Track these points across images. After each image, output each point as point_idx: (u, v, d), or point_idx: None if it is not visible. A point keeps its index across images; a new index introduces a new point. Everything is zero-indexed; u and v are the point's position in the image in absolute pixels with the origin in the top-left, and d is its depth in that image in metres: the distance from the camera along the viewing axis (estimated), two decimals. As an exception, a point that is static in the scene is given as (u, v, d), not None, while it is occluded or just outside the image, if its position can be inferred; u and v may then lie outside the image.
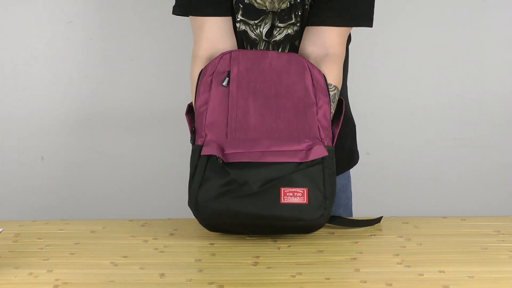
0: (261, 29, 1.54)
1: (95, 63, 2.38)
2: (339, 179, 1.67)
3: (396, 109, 2.41)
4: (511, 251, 1.37)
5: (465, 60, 2.36)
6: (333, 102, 1.50)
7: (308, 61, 1.48)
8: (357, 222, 1.51)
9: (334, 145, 1.46)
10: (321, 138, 1.44)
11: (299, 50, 1.54)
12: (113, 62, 2.38)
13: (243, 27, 1.54)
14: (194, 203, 1.41)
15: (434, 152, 2.44)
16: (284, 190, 1.38)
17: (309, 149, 1.41)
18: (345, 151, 1.67)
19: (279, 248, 1.39)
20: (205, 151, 1.41)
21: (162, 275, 1.28)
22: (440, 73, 2.37)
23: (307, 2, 1.52)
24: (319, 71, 1.47)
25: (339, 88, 1.53)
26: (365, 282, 1.23)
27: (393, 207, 2.41)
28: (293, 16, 1.53)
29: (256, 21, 1.53)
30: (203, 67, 1.50)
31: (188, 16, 1.57)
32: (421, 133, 2.42)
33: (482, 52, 2.36)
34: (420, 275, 1.26)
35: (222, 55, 1.48)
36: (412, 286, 1.23)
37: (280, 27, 1.53)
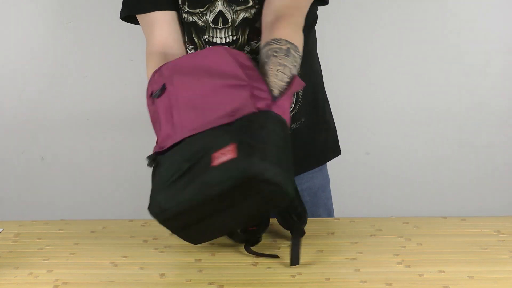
0: (207, 17, 1.53)
1: (95, 63, 2.38)
2: (317, 179, 1.67)
3: (396, 109, 2.41)
4: (511, 251, 1.37)
5: (465, 60, 2.36)
6: (288, 56, 1.35)
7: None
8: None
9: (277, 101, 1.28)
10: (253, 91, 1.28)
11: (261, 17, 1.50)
12: (113, 62, 2.38)
13: (190, 18, 1.54)
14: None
15: (434, 152, 2.44)
16: (214, 155, 1.19)
17: (236, 110, 1.25)
18: (318, 145, 1.67)
19: (279, 248, 1.39)
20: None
21: (162, 275, 1.28)
22: (440, 73, 2.37)
23: None
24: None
25: (297, 46, 1.38)
26: (365, 282, 1.23)
27: (393, 207, 2.41)
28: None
29: (201, 9, 1.53)
30: (157, 63, 1.48)
31: (134, 14, 1.59)
32: (421, 133, 2.42)
33: (482, 52, 2.36)
34: (420, 275, 1.26)
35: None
36: (412, 286, 1.23)
37: (237, 11, 1.51)
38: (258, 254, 1.35)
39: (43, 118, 2.42)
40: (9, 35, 2.37)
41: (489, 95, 2.39)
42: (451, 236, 1.45)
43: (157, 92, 1.37)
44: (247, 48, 1.53)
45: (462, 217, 1.56)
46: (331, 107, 1.75)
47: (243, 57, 1.34)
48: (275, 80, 1.31)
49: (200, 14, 1.53)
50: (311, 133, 1.64)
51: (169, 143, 1.29)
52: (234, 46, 1.53)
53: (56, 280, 1.26)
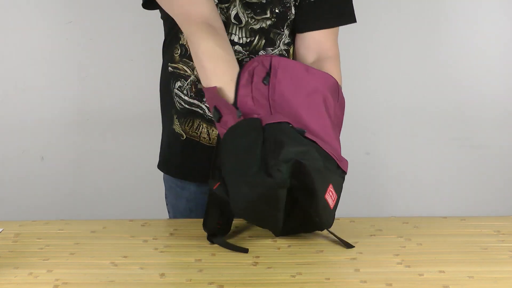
0: (230, 12, 1.54)
1: (95, 63, 2.38)
2: None
3: (396, 109, 2.41)
4: (511, 251, 1.37)
5: (465, 60, 2.36)
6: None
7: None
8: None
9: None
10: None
11: (296, 57, 1.61)
12: (113, 62, 2.38)
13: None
14: None
15: (434, 152, 2.44)
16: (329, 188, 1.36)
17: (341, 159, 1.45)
18: None
19: (279, 248, 1.39)
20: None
21: (162, 275, 1.28)
22: (440, 73, 2.37)
23: (288, 4, 1.55)
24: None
25: (341, 86, 1.57)
26: (365, 282, 1.23)
27: (393, 207, 2.42)
28: (268, 12, 1.55)
29: (226, 5, 1.54)
30: (211, 33, 1.45)
31: None
32: (421, 133, 2.42)
33: (482, 52, 2.36)
34: (420, 275, 1.26)
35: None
36: (412, 286, 1.23)
37: (254, 18, 1.55)
38: (228, 247, 1.38)
39: (43, 118, 2.42)
40: (9, 35, 2.37)
41: (489, 95, 2.39)
42: (451, 236, 1.45)
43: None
44: (262, 53, 1.57)
45: (462, 217, 1.56)
46: (331, 107, 1.76)
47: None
48: None
49: (225, 9, 1.54)
50: None
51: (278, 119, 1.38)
52: (248, 48, 1.56)
53: (56, 280, 1.26)
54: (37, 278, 1.27)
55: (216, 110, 1.40)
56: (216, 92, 1.41)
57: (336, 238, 1.41)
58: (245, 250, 1.36)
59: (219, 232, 1.42)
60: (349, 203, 2.23)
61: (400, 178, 2.46)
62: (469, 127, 2.41)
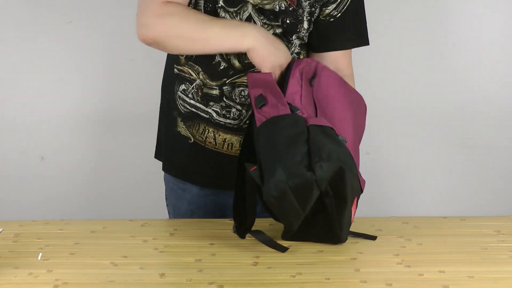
0: (241, 16, 1.54)
1: (95, 63, 2.38)
2: None
3: (396, 109, 2.41)
4: (511, 251, 1.37)
5: (465, 60, 2.36)
6: None
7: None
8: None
9: None
10: None
11: None
12: (113, 62, 2.38)
13: (223, 14, 1.54)
14: None
15: (434, 152, 2.44)
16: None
17: None
18: None
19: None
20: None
21: (162, 275, 1.28)
22: (440, 73, 2.37)
23: (301, 17, 1.55)
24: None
25: None
26: (365, 282, 1.23)
27: (393, 207, 2.41)
28: (280, 20, 1.55)
29: (235, 9, 1.54)
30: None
31: None
32: (421, 133, 2.42)
33: (482, 52, 2.36)
34: (420, 275, 1.26)
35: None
36: (412, 286, 1.23)
37: (268, 24, 1.55)
38: (268, 244, 1.38)
39: (43, 118, 2.42)
40: (9, 35, 2.37)
41: (489, 95, 2.39)
42: (451, 236, 1.45)
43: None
44: None
45: (462, 217, 1.56)
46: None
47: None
48: None
49: (234, 14, 1.54)
50: None
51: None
52: None
53: (56, 280, 1.26)
54: (37, 278, 1.27)
55: (262, 97, 1.40)
56: (271, 79, 1.42)
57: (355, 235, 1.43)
58: (285, 249, 1.37)
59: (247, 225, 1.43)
60: (349, 203, 2.24)
61: (400, 178, 2.46)
62: (469, 127, 2.41)
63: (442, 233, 1.47)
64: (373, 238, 1.43)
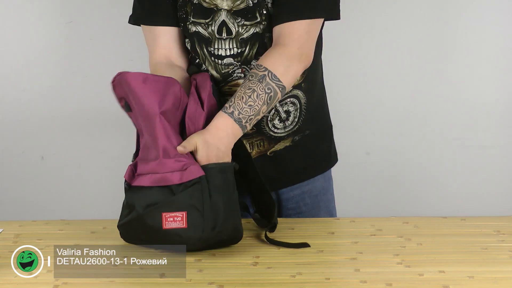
0: (212, 27, 1.54)
1: (95, 63, 2.38)
2: (318, 181, 1.68)
3: (396, 109, 2.41)
4: (511, 251, 1.37)
5: (464, 60, 2.36)
6: (261, 82, 1.43)
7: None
8: (287, 244, 1.43)
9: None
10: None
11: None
12: (113, 62, 2.38)
13: (194, 28, 1.55)
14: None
15: (434, 152, 2.44)
16: (165, 216, 1.37)
17: (185, 169, 1.38)
18: (321, 153, 1.68)
19: (279, 248, 1.39)
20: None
21: (162, 275, 1.28)
22: (440, 73, 2.37)
23: (268, 1, 1.52)
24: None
25: (276, 74, 1.45)
26: (365, 282, 1.23)
27: (393, 207, 2.41)
28: (257, 15, 1.53)
29: (206, 20, 1.54)
30: (166, 72, 1.53)
31: (139, 25, 1.63)
32: (421, 133, 2.42)
33: (482, 52, 2.36)
34: (420, 275, 1.26)
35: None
36: (412, 286, 1.23)
37: (246, 25, 1.53)
38: (283, 245, 1.40)
39: (43, 118, 2.42)
40: (9, 35, 2.37)
41: (488, 95, 2.39)
42: (451, 236, 1.45)
43: None
44: (254, 62, 1.55)
45: (462, 217, 1.56)
46: (331, 107, 1.75)
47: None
48: (239, 102, 1.42)
49: (206, 25, 1.54)
50: (315, 142, 1.65)
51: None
52: (239, 58, 1.55)
53: (56, 280, 1.26)
54: (37, 278, 1.27)
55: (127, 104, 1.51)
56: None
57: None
58: (307, 245, 1.40)
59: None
60: (349, 203, 2.24)
61: (400, 178, 2.46)
62: (469, 127, 2.41)
63: (442, 233, 1.47)
64: (307, 245, 1.41)
